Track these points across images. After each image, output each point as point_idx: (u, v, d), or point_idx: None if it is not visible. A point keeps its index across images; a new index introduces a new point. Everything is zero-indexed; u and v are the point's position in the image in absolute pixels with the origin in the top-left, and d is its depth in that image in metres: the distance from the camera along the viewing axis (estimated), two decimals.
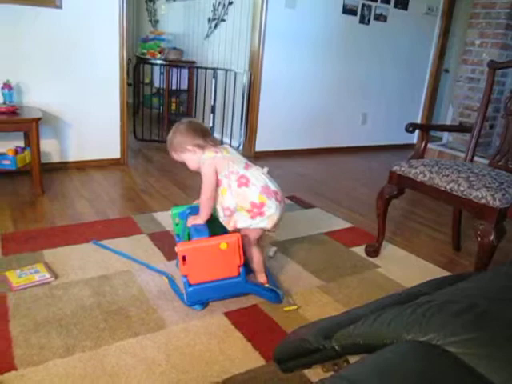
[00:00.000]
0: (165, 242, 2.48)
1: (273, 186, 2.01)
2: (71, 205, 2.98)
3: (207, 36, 5.29)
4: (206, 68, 4.80)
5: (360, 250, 2.58)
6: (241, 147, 4.73)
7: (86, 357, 1.57)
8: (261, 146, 4.64)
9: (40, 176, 3.09)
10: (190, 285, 1.87)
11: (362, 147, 5.25)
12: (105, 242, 2.44)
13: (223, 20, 4.93)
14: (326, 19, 4.58)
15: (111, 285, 2.04)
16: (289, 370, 1.35)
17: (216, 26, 5.06)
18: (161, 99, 5.65)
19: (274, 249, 2.48)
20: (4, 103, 3.13)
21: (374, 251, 2.51)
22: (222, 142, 4.90)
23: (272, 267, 2.30)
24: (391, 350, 0.95)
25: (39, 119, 3.02)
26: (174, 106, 5.74)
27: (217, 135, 5.03)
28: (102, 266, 2.20)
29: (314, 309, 1.96)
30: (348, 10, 4.60)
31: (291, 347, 1.28)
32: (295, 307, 1.97)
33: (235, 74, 4.58)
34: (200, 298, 1.91)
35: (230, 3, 4.76)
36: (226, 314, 1.88)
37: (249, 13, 4.41)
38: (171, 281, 2.08)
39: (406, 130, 2.46)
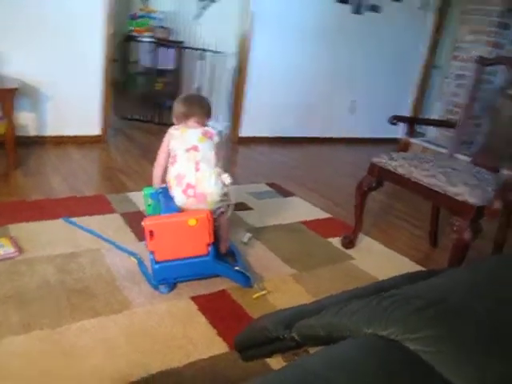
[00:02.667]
0: (137, 223, 2.41)
1: (191, 180, 1.91)
2: (45, 180, 2.90)
3: (197, 16, 5.17)
4: (194, 49, 4.71)
5: (336, 241, 2.55)
6: (226, 131, 4.67)
7: (44, 335, 1.52)
8: (245, 131, 4.57)
9: (14, 149, 3.00)
10: (156, 262, 1.82)
11: (349, 139, 5.21)
12: (76, 220, 2.38)
13: (213, 1, 4.82)
14: (319, 6, 4.50)
15: (78, 263, 1.98)
16: (249, 359, 1.33)
17: (206, 6, 4.95)
18: (146, 79, 5.54)
19: (248, 235, 2.44)
20: None
21: (349, 243, 2.49)
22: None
23: (245, 253, 2.26)
24: (350, 342, 0.92)
25: (15, 90, 2.91)
26: (160, 87, 5.62)
27: None
28: (71, 243, 2.14)
29: (284, 297, 1.94)
30: None
31: (252, 336, 1.26)
32: (264, 292, 1.94)
33: (223, 56, 4.49)
34: (167, 276, 1.86)
35: None
36: (193, 299, 1.84)
37: None
38: (140, 262, 2.04)
39: (390, 122, 2.43)
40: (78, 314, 1.65)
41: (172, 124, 2.10)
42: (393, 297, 1.01)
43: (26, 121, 3.52)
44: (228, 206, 2.06)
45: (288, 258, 2.28)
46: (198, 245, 1.84)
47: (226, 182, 1.98)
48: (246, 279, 1.97)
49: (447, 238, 2.78)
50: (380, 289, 1.38)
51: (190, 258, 1.85)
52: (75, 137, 3.74)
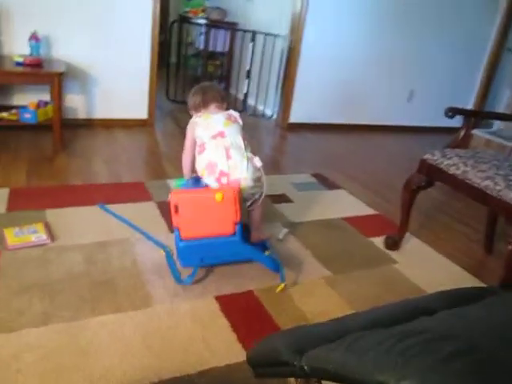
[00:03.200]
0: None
1: (224, 167, 1.88)
2: (88, 164, 2.93)
3: None
4: (244, 30, 4.56)
5: (379, 242, 2.37)
6: (274, 116, 4.52)
7: (62, 328, 1.51)
8: (295, 117, 4.40)
9: (60, 132, 3.04)
10: (181, 239, 1.78)
11: (406, 127, 4.89)
12: (112, 206, 2.37)
13: None
14: None
15: (107, 253, 1.96)
16: (262, 377, 1.22)
17: None
18: (199, 61, 5.48)
19: (284, 230, 2.32)
20: (31, 55, 3.07)
21: (393, 244, 2.31)
22: (255, 109, 4.71)
23: (279, 250, 2.15)
24: None
25: (61, 73, 2.94)
26: (212, 69, 5.55)
27: (251, 102, 4.83)
28: (102, 231, 2.13)
29: (314, 302, 1.81)
30: None
31: (263, 354, 1.14)
32: (282, 285, 1.86)
33: (274, 38, 4.32)
34: (191, 256, 1.80)
35: None
36: (217, 299, 1.76)
37: None
38: (168, 255, 1.98)
39: (445, 114, 2.19)
40: (99, 308, 1.62)
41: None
42: (415, 336, 0.85)
43: (76, 104, 3.58)
44: (261, 193, 2.01)
45: (324, 258, 2.14)
46: (225, 223, 1.78)
47: (258, 165, 1.96)
48: (276, 264, 1.90)
49: (504, 245, 2.51)
50: (413, 309, 1.23)
51: (216, 237, 1.79)
52: (122, 120, 3.76)
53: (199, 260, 1.82)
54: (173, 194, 1.78)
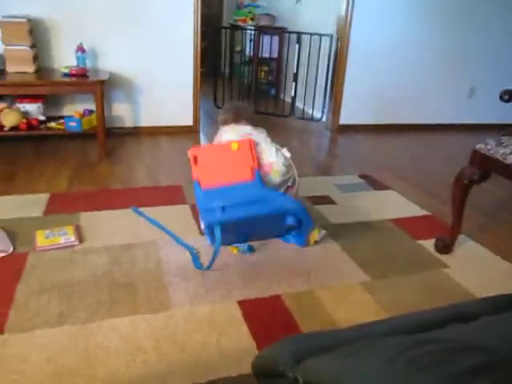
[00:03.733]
0: None
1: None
2: (129, 170, 2.94)
3: (298, 0, 4.91)
4: (289, 32, 4.46)
5: (429, 245, 2.13)
6: (323, 119, 4.35)
7: (75, 330, 1.45)
8: (345, 119, 4.20)
9: (104, 139, 3.09)
10: (202, 190, 1.82)
11: (466, 125, 4.51)
12: (145, 209, 2.33)
13: None
14: None
15: (132, 255, 1.91)
16: None
17: None
18: (249, 68, 5.45)
19: (322, 232, 2.15)
20: (77, 66, 3.16)
21: (445, 247, 2.06)
22: (303, 113, 4.57)
23: (314, 254, 1.99)
24: None
25: (103, 82, 2.99)
26: (262, 75, 5.50)
27: (299, 105, 4.69)
28: (131, 234, 2.09)
29: (347, 309, 1.63)
30: None
31: (264, 363, 1.00)
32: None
33: (320, 38, 4.17)
34: (213, 209, 1.76)
35: None
36: (240, 303, 1.63)
37: None
38: (194, 257, 1.89)
39: (501, 98, 1.93)
40: (115, 311, 1.56)
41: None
42: (432, 344, 0.68)
43: (122, 113, 3.64)
44: (294, 179, 2.06)
45: (364, 262, 1.95)
46: (243, 169, 1.83)
47: (287, 155, 2.01)
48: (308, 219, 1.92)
49: None
50: (446, 315, 1.03)
51: (236, 183, 1.82)
52: (168, 127, 3.77)
53: (221, 211, 1.76)
54: (191, 148, 1.90)
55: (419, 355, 0.64)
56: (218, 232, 1.75)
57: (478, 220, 2.46)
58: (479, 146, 1.86)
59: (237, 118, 2.11)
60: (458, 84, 4.40)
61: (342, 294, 1.72)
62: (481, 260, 2.05)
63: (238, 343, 1.43)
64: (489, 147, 1.81)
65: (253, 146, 1.88)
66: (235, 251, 1.96)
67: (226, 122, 2.13)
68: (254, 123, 2.15)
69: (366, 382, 0.63)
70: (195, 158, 1.86)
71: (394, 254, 2.04)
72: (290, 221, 1.85)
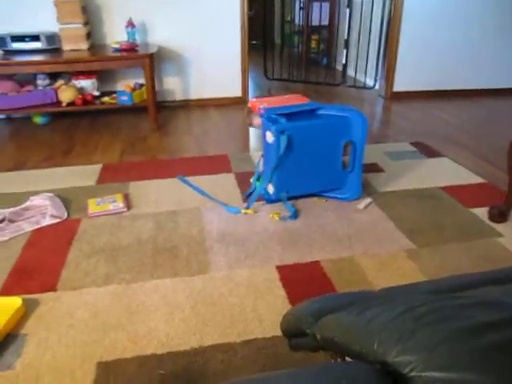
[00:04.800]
0: (248, 182, 2.30)
1: None
2: (179, 140, 3.00)
3: None
4: None
5: (483, 213, 2.01)
6: (376, 87, 4.18)
7: (119, 290, 1.53)
8: (399, 85, 4.00)
9: (155, 112, 3.17)
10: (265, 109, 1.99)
11: None
12: (192, 178, 2.38)
13: None
14: None
15: (175, 221, 1.96)
16: (296, 349, 1.08)
17: None
18: (300, 37, 5.32)
19: (367, 200, 2.10)
20: (127, 41, 3.24)
21: (500, 215, 1.93)
22: (355, 81, 4.41)
23: (358, 221, 1.94)
24: (343, 370, 0.60)
25: (151, 54, 3.04)
26: (313, 44, 5.35)
27: (351, 72, 4.53)
28: (177, 201, 2.14)
29: (388, 276, 1.58)
30: None
31: (290, 322, 1.00)
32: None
33: (372, 1, 3.96)
34: (275, 113, 1.94)
35: None
36: (279, 268, 1.64)
37: None
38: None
39: None
40: (157, 273, 1.62)
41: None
42: (447, 301, 0.64)
43: (173, 86, 3.70)
44: None
45: (410, 230, 1.88)
46: (299, 100, 2.12)
47: None
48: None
49: None
50: (484, 278, 0.97)
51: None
52: (217, 99, 3.80)
53: (286, 120, 1.91)
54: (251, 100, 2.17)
55: (431, 310, 0.61)
56: (283, 141, 1.87)
57: None
58: None
59: None
60: None
61: (384, 261, 1.68)
62: None
63: (274, 307, 1.44)
64: None
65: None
66: (277, 217, 1.96)
67: None
68: None
69: (373, 333, 0.61)
70: (254, 106, 2.06)
71: (444, 222, 1.95)
72: (347, 138, 1.97)
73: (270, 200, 2.06)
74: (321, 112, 2.00)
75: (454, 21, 3.85)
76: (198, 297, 1.49)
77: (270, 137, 1.91)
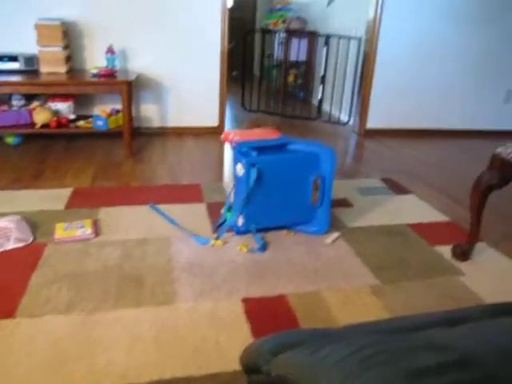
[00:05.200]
0: (219, 214, 2.32)
1: None
2: (152, 168, 3.00)
3: (329, 3, 4.88)
4: (317, 35, 4.44)
5: (447, 251, 2.07)
6: (350, 123, 4.31)
7: (81, 318, 1.50)
8: (373, 123, 4.14)
9: (130, 138, 3.17)
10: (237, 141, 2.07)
11: (500, 132, 4.35)
12: (163, 207, 2.37)
13: None
14: None
15: (144, 249, 1.95)
16: None
17: None
18: (279, 71, 5.46)
19: (334, 235, 2.13)
20: (106, 67, 3.26)
21: (462, 253, 1.99)
22: (330, 116, 4.53)
23: (324, 256, 1.97)
24: None
25: (130, 82, 3.07)
26: (291, 78, 5.50)
27: (326, 107, 4.66)
28: (146, 229, 2.13)
29: (352, 312, 1.60)
30: None
31: (248, 358, 1.00)
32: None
33: (348, 41, 4.13)
34: (247, 150, 1.99)
35: None
36: (244, 301, 1.64)
37: None
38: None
39: None
40: (121, 302, 1.59)
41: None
42: (396, 342, 0.66)
43: (150, 113, 3.73)
44: None
45: (376, 266, 1.92)
46: (270, 135, 2.23)
47: None
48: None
49: None
50: (437, 319, 1.00)
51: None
52: (194, 128, 3.83)
53: (257, 153, 1.97)
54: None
55: (378, 352, 0.63)
56: (253, 174, 1.90)
57: (502, 228, 2.37)
58: (499, 150, 1.79)
59: None
60: (494, 88, 4.26)
61: (349, 296, 1.70)
62: (500, 269, 1.97)
63: (237, 340, 1.44)
64: (509, 151, 1.74)
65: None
66: (245, 249, 1.97)
67: None
68: None
69: (322, 372, 0.62)
70: (227, 138, 2.18)
71: (408, 259, 2.00)
72: (316, 173, 2.03)
73: (239, 231, 2.07)
74: (291, 147, 2.05)
75: (425, 64, 4.04)
76: (161, 328, 1.47)
77: (240, 169, 1.94)
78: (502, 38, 4.09)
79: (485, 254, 2.08)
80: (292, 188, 2.03)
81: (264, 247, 1.99)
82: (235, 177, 2.03)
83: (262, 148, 2.00)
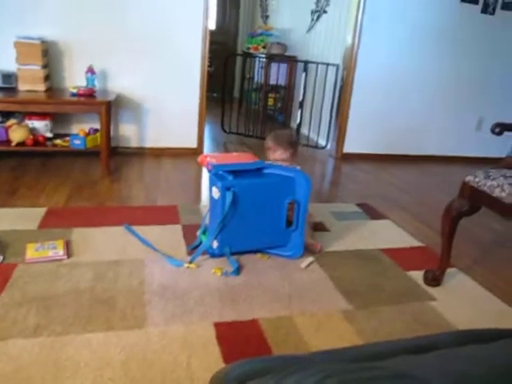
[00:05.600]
0: (193, 235, 2.31)
1: None
2: (128, 188, 2.98)
3: (309, 29, 5.02)
4: (296, 61, 4.54)
5: (419, 276, 2.10)
6: (328, 146, 4.38)
7: (48, 342, 1.46)
8: (350, 147, 4.22)
9: (107, 158, 3.16)
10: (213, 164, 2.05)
11: (473, 158, 4.49)
12: (138, 228, 2.35)
13: (325, 12, 4.61)
14: (440, 8, 3.98)
15: (116, 271, 1.92)
16: None
17: (318, 18, 4.77)
18: (258, 94, 5.54)
19: (309, 259, 2.15)
20: (86, 87, 3.26)
21: (433, 279, 2.02)
22: (308, 139, 4.61)
23: (298, 280, 1.97)
24: None
25: (108, 102, 3.07)
26: (271, 102, 5.58)
27: (304, 131, 4.74)
28: (120, 251, 2.11)
29: (324, 337, 1.61)
30: None
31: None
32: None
33: (327, 67, 4.24)
34: (222, 170, 2.01)
35: None
36: (216, 325, 1.62)
37: (349, 2, 4.03)
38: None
39: (492, 131, 1.93)
40: (91, 325, 1.56)
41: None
42: (357, 372, 0.67)
43: (129, 132, 3.73)
44: None
45: (348, 291, 1.93)
46: (247, 159, 2.21)
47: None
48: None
49: None
50: (405, 346, 1.02)
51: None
52: (172, 149, 3.84)
53: (233, 177, 1.97)
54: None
55: (342, 382, 0.64)
56: (229, 197, 1.90)
57: (473, 254, 2.42)
58: (468, 178, 1.85)
59: (274, 148, 2.35)
60: (466, 115, 4.40)
61: (321, 321, 1.70)
62: (470, 295, 2.01)
63: (207, 365, 1.42)
64: (477, 179, 1.80)
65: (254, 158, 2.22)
66: (219, 273, 1.96)
67: (267, 151, 2.40)
68: (292, 149, 2.37)
69: None
70: (203, 161, 2.13)
71: (381, 284, 2.02)
72: (291, 198, 2.06)
73: (214, 254, 2.07)
74: (267, 171, 2.08)
75: (402, 91, 4.17)
76: (130, 353, 1.45)
77: (215, 192, 1.95)
78: (473, 66, 4.25)
79: (456, 279, 2.12)
80: (267, 212, 2.04)
81: (238, 270, 1.99)
82: (211, 200, 2.04)
83: (237, 172, 2.01)
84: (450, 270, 2.11)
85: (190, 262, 2.01)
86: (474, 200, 1.84)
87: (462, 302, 1.93)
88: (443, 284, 2.04)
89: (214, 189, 1.96)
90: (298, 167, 2.22)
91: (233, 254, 2.07)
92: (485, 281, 2.14)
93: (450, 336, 1.12)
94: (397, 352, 0.95)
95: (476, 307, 1.91)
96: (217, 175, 1.98)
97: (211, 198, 2.02)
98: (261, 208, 2.02)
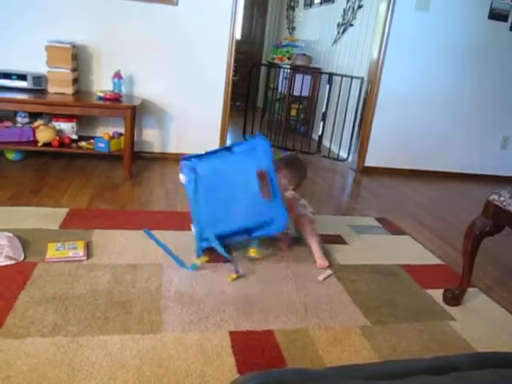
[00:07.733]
0: None
1: None
2: (149, 193, 3.02)
3: (335, 42, 5.02)
4: (321, 72, 4.55)
5: (438, 295, 2.06)
6: (350, 159, 4.35)
7: (65, 342, 1.48)
8: (371, 161, 4.19)
9: (130, 162, 3.20)
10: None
11: (496, 177, 4.40)
12: (156, 233, 2.37)
13: (351, 25, 4.62)
14: (467, 24, 3.95)
15: (134, 275, 1.94)
16: None
17: (344, 31, 4.77)
18: (281, 104, 5.55)
19: (327, 272, 2.13)
20: (112, 91, 3.32)
21: (453, 298, 1.98)
22: (329, 152, 4.59)
23: (315, 293, 1.96)
24: None
25: (134, 107, 3.12)
26: (293, 112, 5.58)
27: (326, 143, 4.72)
28: (138, 254, 2.12)
29: (340, 352, 1.58)
30: (496, 15, 3.89)
31: None
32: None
33: (351, 80, 4.23)
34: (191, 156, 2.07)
35: (360, 7, 4.43)
36: (232, 334, 1.62)
37: (376, 16, 4.02)
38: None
39: None
40: (107, 328, 1.57)
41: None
42: None
43: (152, 137, 3.77)
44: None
45: (366, 306, 1.90)
46: None
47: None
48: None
49: None
50: (423, 366, 0.99)
51: None
52: None
53: (196, 158, 2.05)
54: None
55: None
56: (193, 178, 2.01)
57: (495, 274, 2.37)
58: (492, 197, 1.81)
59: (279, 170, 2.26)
60: (491, 133, 4.34)
61: (337, 335, 1.68)
62: (491, 316, 1.96)
63: (221, 375, 1.41)
64: (502, 199, 1.76)
65: None
66: (231, 279, 1.96)
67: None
68: (302, 180, 2.39)
69: None
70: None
71: (399, 300, 1.99)
72: (258, 166, 2.06)
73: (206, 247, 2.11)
74: (235, 149, 2.13)
75: (425, 107, 4.13)
76: (145, 357, 1.45)
77: (182, 178, 2.05)
78: (499, 85, 4.19)
79: (477, 299, 2.07)
80: (241, 188, 2.06)
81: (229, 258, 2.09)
82: (187, 191, 2.09)
83: (206, 155, 2.07)
84: (470, 290, 2.07)
85: (198, 257, 2.08)
86: (498, 219, 1.80)
87: (482, 323, 1.88)
88: (463, 304, 2.00)
89: (181, 175, 2.03)
90: (302, 201, 2.35)
91: (225, 244, 2.13)
92: (506, 302, 2.09)
93: (470, 358, 1.09)
94: (414, 372, 0.93)
95: (496, 329, 1.86)
96: (185, 161, 2.05)
97: (185, 187, 2.08)
98: (233, 185, 2.05)
